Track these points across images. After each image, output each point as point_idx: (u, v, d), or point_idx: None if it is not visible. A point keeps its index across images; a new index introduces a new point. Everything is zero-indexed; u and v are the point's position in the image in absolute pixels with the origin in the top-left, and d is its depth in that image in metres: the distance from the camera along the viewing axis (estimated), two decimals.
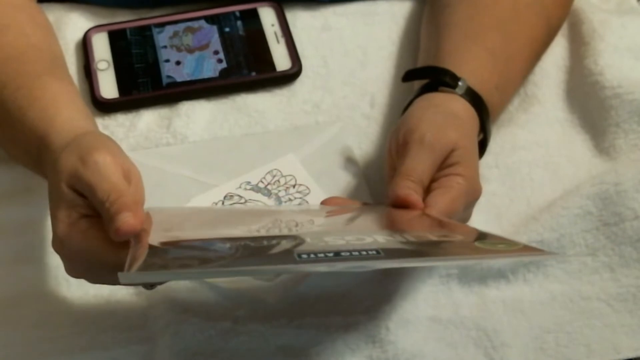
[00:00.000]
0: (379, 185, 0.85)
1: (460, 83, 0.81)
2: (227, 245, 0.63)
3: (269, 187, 0.86)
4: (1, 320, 0.79)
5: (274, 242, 0.64)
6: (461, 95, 0.81)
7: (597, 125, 0.89)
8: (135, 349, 0.77)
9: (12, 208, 0.85)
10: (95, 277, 0.72)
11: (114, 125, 0.90)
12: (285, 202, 0.84)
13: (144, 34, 0.95)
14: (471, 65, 0.83)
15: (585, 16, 0.94)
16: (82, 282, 0.74)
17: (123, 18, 0.97)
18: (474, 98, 0.81)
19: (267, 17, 0.96)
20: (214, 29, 0.96)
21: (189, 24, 0.96)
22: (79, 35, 0.95)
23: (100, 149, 0.70)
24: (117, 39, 0.95)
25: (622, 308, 0.80)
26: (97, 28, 0.95)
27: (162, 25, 0.96)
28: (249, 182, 0.86)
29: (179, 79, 0.92)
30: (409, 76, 0.86)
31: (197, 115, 0.90)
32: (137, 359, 0.77)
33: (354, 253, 0.61)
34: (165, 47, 0.94)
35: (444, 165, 0.75)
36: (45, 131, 0.75)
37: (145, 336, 0.78)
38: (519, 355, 0.78)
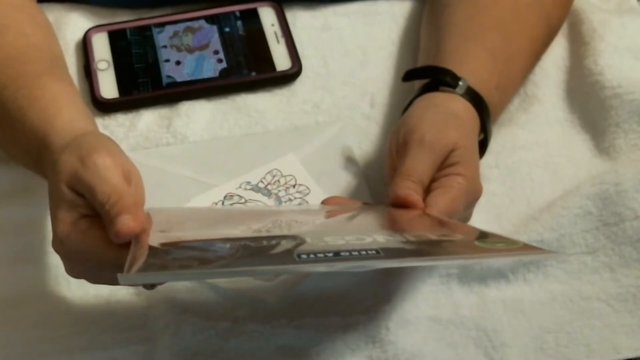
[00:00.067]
0: (379, 185, 0.85)
1: (460, 83, 0.81)
2: (227, 245, 0.63)
3: (269, 187, 0.86)
4: (1, 320, 0.79)
5: (273, 242, 0.64)
6: (461, 95, 0.81)
7: (597, 125, 0.89)
8: (135, 349, 0.77)
9: (12, 208, 0.85)
10: (95, 277, 0.72)
11: (114, 125, 0.90)
12: (285, 202, 0.84)
13: (144, 34, 0.95)
14: (471, 65, 0.83)
15: (585, 16, 0.94)
16: (82, 282, 0.74)
17: (123, 18, 0.97)
18: (474, 98, 0.81)
19: (267, 17, 0.96)
20: (214, 29, 0.96)
21: (189, 24, 0.96)
22: (79, 35, 0.95)
23: (100, 150, 0.70)
24: (117, 39, 0.95)
25: (622, 308, 0.80)
26: (97, 28, 0.95)
27: (162, 25, 0.96)
28: (249, 182, 0.86)
29: (179, 79, 0.92)
30: (409, 76, 0.86)
31: (197, 115, 0.90)
32: (137, 359, 0.77)
33: (353, 253, 0.61)
34: (165, 47, 0.94)
35: (444, 165, 0.75)
36: (46, 131, 0.75)
37: (145, 336, 0.78)
38: (519, 355, 0.78)
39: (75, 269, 0.71)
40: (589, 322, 0.79)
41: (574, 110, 0.91)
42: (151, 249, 0.62)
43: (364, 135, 0.90)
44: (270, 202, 0.84)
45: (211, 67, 0.93)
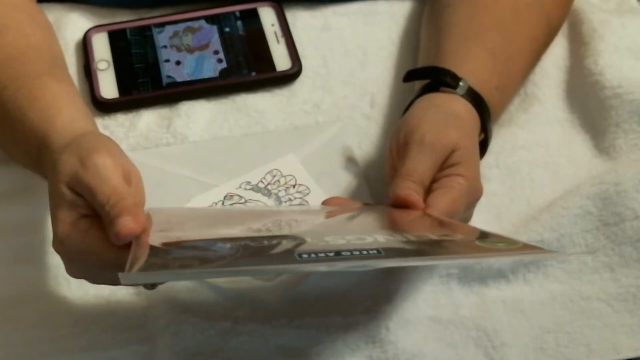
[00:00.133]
0: (379, 185, 0.85)
1: (461, 83, 0.81)
2: (228, 245, 0.63)
3: (269, 187, 0.86)
4: (1, 320, 0.79)
5: (274, 242, 0.64)
6: (462, 96, 0.81)
7: (597, 125, 0.89)
8: (135, 349, 0.77)
9: (12, 208, 0.85)
10: (96, 277, 0.72)
11: (114, 125, 0.90)
12: (285, 202, 0.84)
13: (144, 34, 0.95)
14: (471, 65, 0.83)
15: (585, 16, 0.94)
16: (82, 282, 0.74)
17: (123, 18, 0.97)
18: (474, 98, 0.81)
19: (267, 17, 0.96)
20: (214, 29, 0.96)
21: (189, 24, 0.96)
22: (79, 35, 0.95)
23: (100, 150, 0.70)
24: (117, 39, 0.95)
25: (622, 308, 0.80)
26: (97, 28, 0.95)
27: (162, 25, 0.96)
28: (249, 182, 0.86)
29: (179, 79, 0.92)
30: (409, 76, 0.86)
31: (197, 115, 0.90)
32: (137, 359, 0.77)
33: (354, 252, 0.61)
34: (165, 47, 0.94)
35: (444, 166, 0.75)
36: (46, 132, 0.75)
37: (145, 336, 0.78)
38: (519, 355, 0.78)
39: (76, 269, 0.71)
40: (589, 322, 0.79)
41: (574, 110, 0.91)
42: (152, 248, 0.62)
43: (364, 135, 0.90)
44: (270, 202, 0.84)
45: (211, 67, 0.93)
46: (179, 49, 0.94)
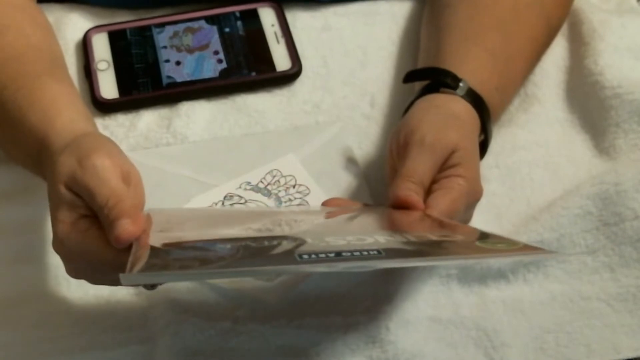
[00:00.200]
0: (379, 185, 0.85)
1: (461, 84, 0.81)
2: (228, 245, 0.63)
3: (269, 187, 0.86)
4: (1, 320, 0.79)
5: (274, 242, 0.64)
6: (462, 97, 0.81)
7: (597, 125, 0.89)
8: (135, 349, 0.77)
9: (12, 208, 0.85)
10: (95, 277, 0.72)
11: (114, 126, 0.90)
12: (285, 202, 0.84)
13: (144, 34, 0.95)
14: (471, 65, 0.83)
15: (585, 16, 0.94)
16: (82, 282, 0.74)
17: (123, 18, 0.97)
18: (474, 99, 0.81)
19: (267, 17, 0.96)
20: (214, 29, 0.96)
21: (189, 24, 0.96)
22: (79, 35, 0.95)
23: (99, 151, 0.70)
24: (117, 39, 0.95)
25: (622, 308, 0.80)
26: (97, 28, 0.95)
27: (162, 25, 0.96)
28: (249, 182, 0.86)
29: (179, 79, 0.92)
30: (409, 77, 0.86)
31: (197, 115, 0.90)
32: (137, 359, 0.77)
33: (355, 253, 0.61)
34: (165, 47, 0.94)
35: (444, 167, 0.75)
36: (45, 132, 0.75)
37: (145, 336, 0.78)
38: (519, 355, 0.78)
39: (76, 269, 0.71)
40: (589, 322, 0.79)
41: (574, 110, 0.91)
42: (152, 249, 0.62)
43: (364, 135, 0.90)
44: (270, 203, 0.84)
45: (211, 67, 0.93)
46: (179, 49, 0.94)
